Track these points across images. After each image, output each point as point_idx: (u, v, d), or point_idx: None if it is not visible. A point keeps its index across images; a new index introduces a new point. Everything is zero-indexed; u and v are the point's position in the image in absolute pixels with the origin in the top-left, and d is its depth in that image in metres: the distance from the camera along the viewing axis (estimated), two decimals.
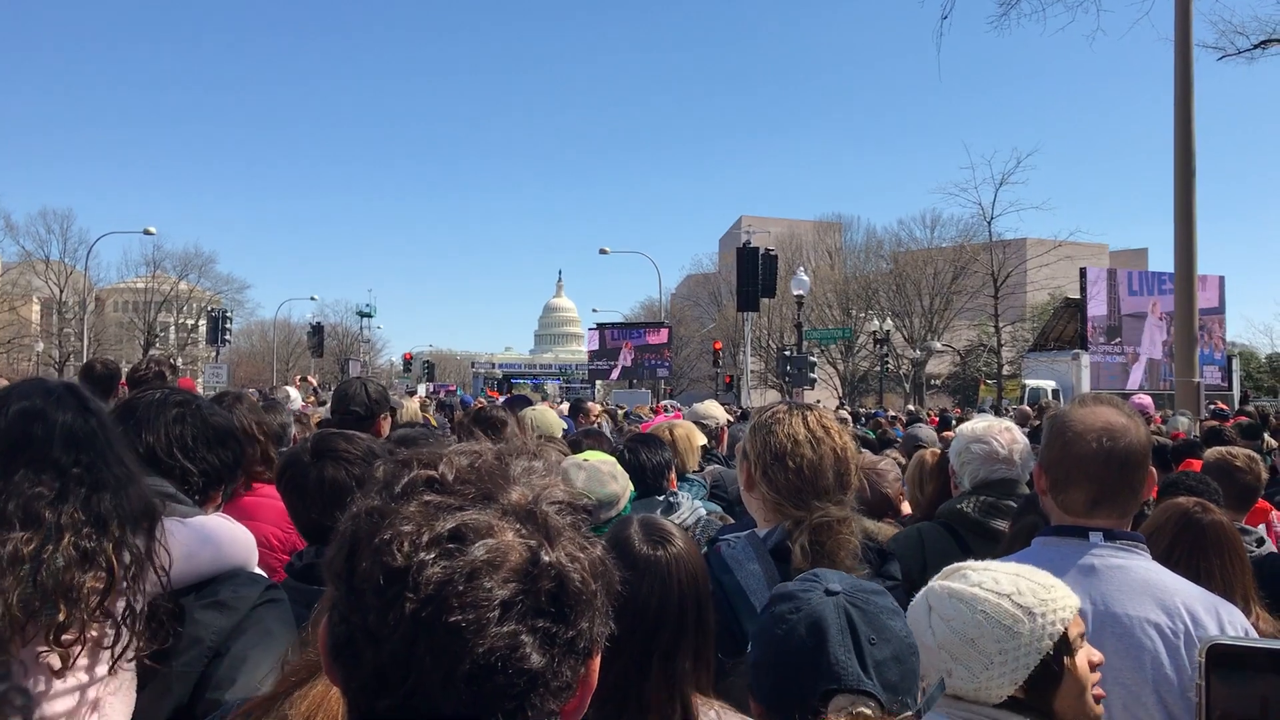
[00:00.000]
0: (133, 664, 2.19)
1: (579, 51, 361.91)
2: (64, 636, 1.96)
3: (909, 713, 1.73)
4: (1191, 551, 3.01)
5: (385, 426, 5.31)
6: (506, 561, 0.98)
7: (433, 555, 0.96)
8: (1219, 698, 1.40)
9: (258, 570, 2.65)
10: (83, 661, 2.03)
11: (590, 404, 12.86)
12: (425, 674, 0.96)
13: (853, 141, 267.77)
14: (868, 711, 1.68)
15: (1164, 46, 19.91)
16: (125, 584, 2.08)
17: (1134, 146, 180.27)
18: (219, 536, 2.48)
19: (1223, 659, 1.41)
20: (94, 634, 2.03)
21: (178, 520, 2.36)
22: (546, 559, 1.00)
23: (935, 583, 2.18)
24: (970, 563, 2.19)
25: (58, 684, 1.99)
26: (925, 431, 8.88)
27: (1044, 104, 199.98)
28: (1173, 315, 25.20)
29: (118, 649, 2.07)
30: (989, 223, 55.46)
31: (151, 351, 62.56)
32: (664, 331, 58.93)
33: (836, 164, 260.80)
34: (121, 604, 2.06)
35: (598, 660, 1.09)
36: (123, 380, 7.04)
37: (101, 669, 2.08)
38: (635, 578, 2.13)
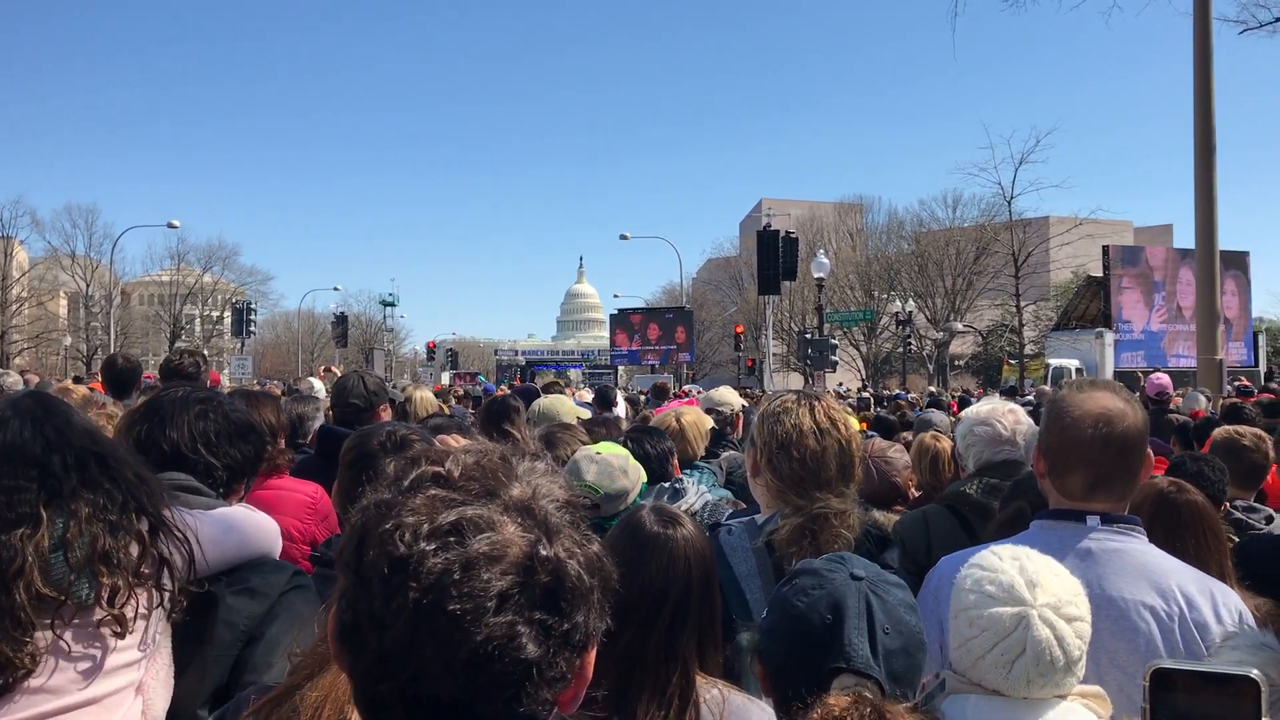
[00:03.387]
0: (169, 650, 2.33)
1: (598, 37, 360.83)
2: (116, 601, 2.10)
3: (908, 703, 1.78)
4: (1168, 531, 3.03)
5: (385, 417, 5.37)
6: (505, 555, 1.03)
7: (434, 546, 1.02)
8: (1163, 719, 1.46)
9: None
10: (130, 639, 2.17)
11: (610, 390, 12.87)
12: (426, 660, 1.01)
13: (873, 122, 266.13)
14: (868, 694, 1.73)
15: (1183, 21, 19.60)
16: (155, 549, 2.22)
17: (1155, 122, 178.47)
18: (244, 525, 2.59)
19: (1166, 682, 1.46)
20: (140, 599, 2.16)
21: (201, 513, 2.47)
22: (544, 553, 1.05)
23: None
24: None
25: (109, 660, 2.13)
26: (937, 416, 8.86)
27: (1062, 81, 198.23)
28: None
29: (164, 607, 2.22)
30: (1009, 202, 55.09)
31: (179, 344, 62.99)
32: (690, 328, 58.86)
33: (857, 145, 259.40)
34: (154, 567, 2.20)
35: (593, 654, 1.15)
36: (148, 373, 7.17)
37: (144, 644, 2.21)
38: (644, 556, 2.22)
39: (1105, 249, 44.30)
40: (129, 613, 2.14)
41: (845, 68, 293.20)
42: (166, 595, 2.25)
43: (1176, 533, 3.06)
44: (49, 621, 2.06)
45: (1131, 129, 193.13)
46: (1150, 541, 2.61)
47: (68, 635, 2.09)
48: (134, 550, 2.19)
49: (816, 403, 2.91)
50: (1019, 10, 32.51)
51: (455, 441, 2.55)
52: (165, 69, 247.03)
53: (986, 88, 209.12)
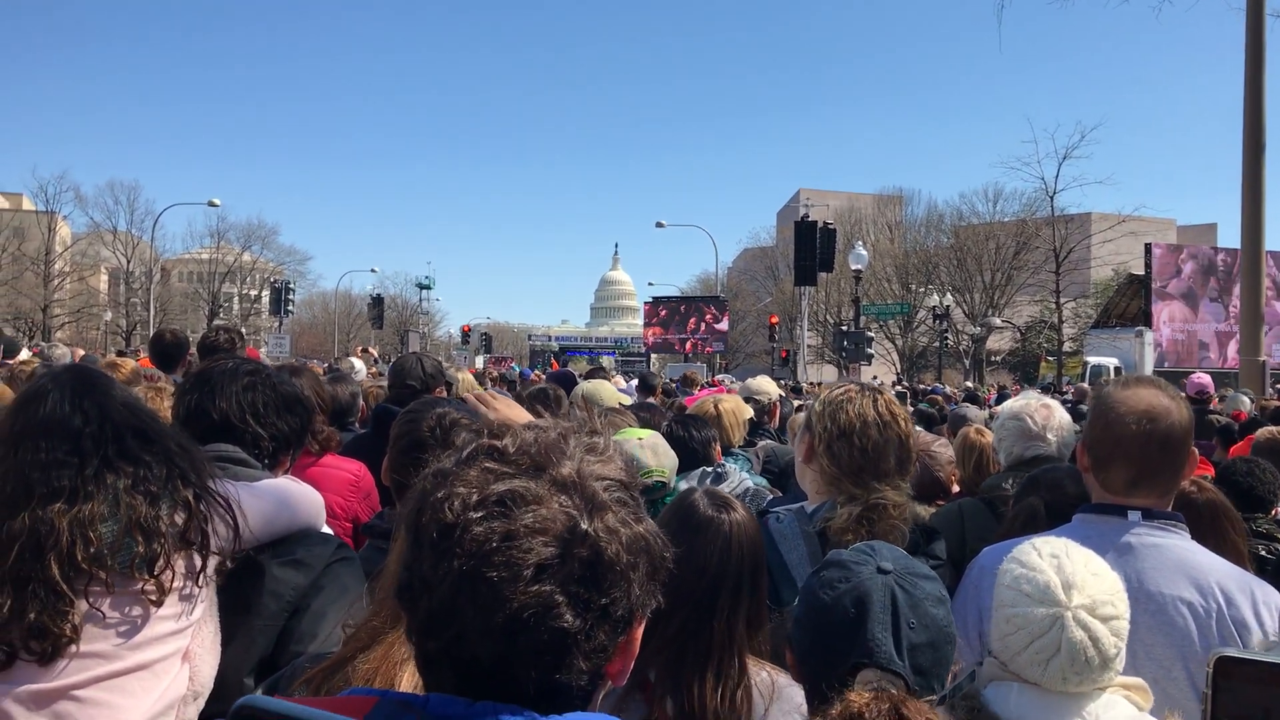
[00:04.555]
0: (215, 619, 2.39)
1: (639, 27, 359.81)
2: (155, 568, 2.16)
3: (933, 696, 1.80)
4: (1191, 532, 3.05)
5: None
6: (546, 528, 1.08)
7: (479, 515, 1.08)
8: (1225, 706, 1.47)
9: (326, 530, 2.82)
10: (173, 608, 2.23)
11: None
12: (467, 622, 1.07)
13: (913, 114, 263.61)
14: (893, 690, 1.74)
15: (1235, 16, 19.27)
16: (197, 516, 2.27)
17: (1202, 119, 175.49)
18: (289, 497, 2.65)
19: (1230, 669, 1.47)
20: (181, 566, 2.22)
21: (246, 484, 2.52)
22: (585, 528, 1.09)
23: None
24: None
25: (153, 628, 2.19)
26: (972, 411, 8.83)
27: (1109, 76, 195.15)
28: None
29: (203, 574, 2.27)
30: (1052, 197, 54.61)
31: (217, 321, 63.63)
32: (724, 317, 58.82)
33: (897, 137, 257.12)
34: (197, 533, 2.26)
35: (640, 629, 1.19)
36: (191, 350, 7.28)
37: (191, 612, 2.27)
38: (697, 539, 2.26)
39: (1147, 247, 43.79)
40: (168, 581, 2.19)
41: (888, 59, 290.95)
42: (211, 563, 2.30)
43: (1196, 531, 3.06)
44: (89, 591, 2.11)
45: (1178, 126, 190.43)
46: None
47: (111, 603, 2.14)
48: (179, 519, 2.24)
49: (880, 395, 2.94)
50: (1066, 4, 32.01)
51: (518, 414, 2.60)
52: (210, 50, 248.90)
53: (1031, 81, 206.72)
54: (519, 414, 2.70)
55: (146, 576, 2.16)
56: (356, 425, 5.94)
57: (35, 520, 2.10)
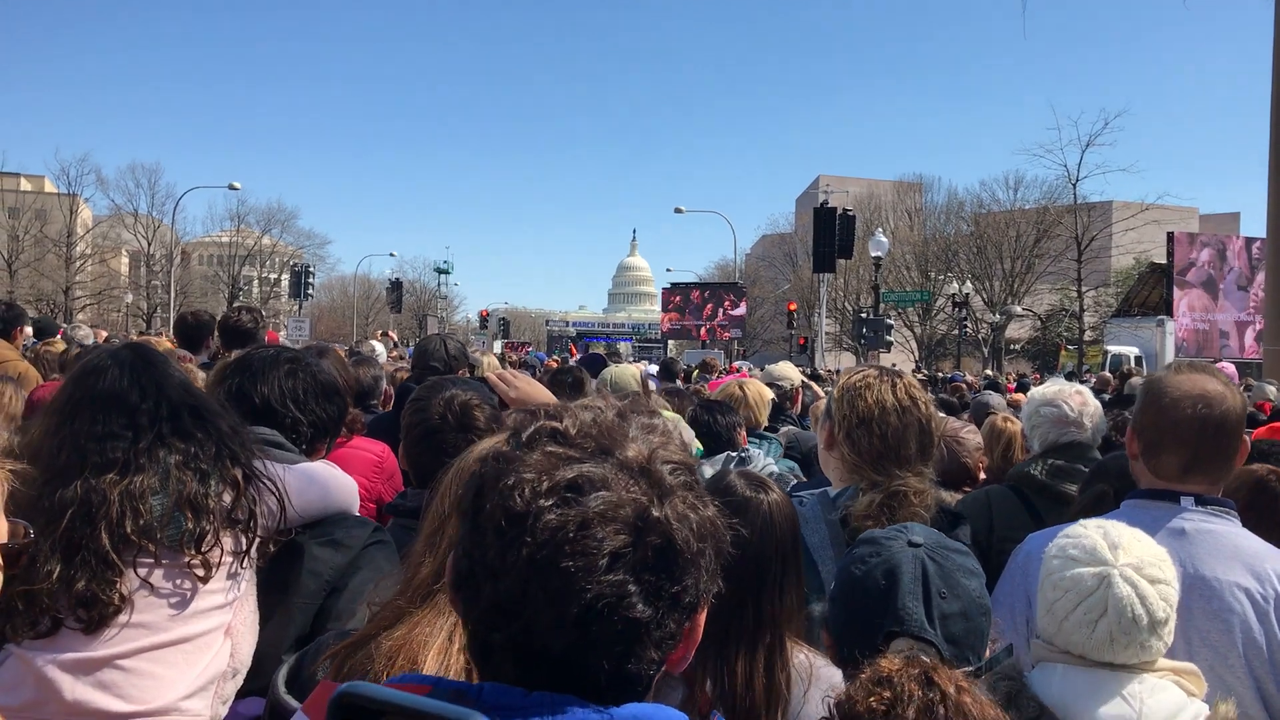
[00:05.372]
0: (254, 597, 2.42)
1: (657, 12, 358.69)
2: (203, 545, 2.20)
3: (969, 667, 1.78)
4: (1263, 519, 3.00)
5: None
6: (618, 515, 1.04)
7: (551, 502, 1.04)
8: None
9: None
10: (219, 584, 2.26)
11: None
12: (537, 612, 1.03)
13: (934, 100, 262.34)
14: (925, 658, 1.73)
15: (1264, 3, 19.09)
16: (245, 495, 2.31)
17: (1228, 107, 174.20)
18: (327, 480, 2.70)
19: None
20: (228, 544, 2.25)
21: (288, 466, 2.56)
22: (656, 515, 1.06)
23: None
24: None
25: (199, 602, 2.22)
26: (995, 399, 8.78)
27: (1134, 63, 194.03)
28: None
29: (249, 553, 2.32)
30: (1074, 185, 54.23)
31: (238, 302, 63.91)
32: (742, 303, 58.78)
33: (918, 124, 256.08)
34: (245, 512, 2.30)
35: (703, 615, 1.16)
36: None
37: (235, 589, 2.31)
38: (739, 519, 2.24)
39: (1170, 235, 43.47)
40: (215, 558, 2.23)
41: (909, 45, 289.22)
42: (255, 540, 2.34)
43: (1274, 521, 3.02)
44: (138, 563, 2.15)
45: (1203, 114, 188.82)
46: (1248, 528, 2.58)
47: (159, 575, 2.18)
48: (227, 497, 2.28)
49: (899, 380, 2.91)
50: None
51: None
52: (232, 33, 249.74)
53: (1055, 68, 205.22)
54: (540, 392, 2.71)
55: (194, 553, 2.20)
56: (379, 407, 5.96)
57: (88, 489, 2.13)
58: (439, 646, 1.58)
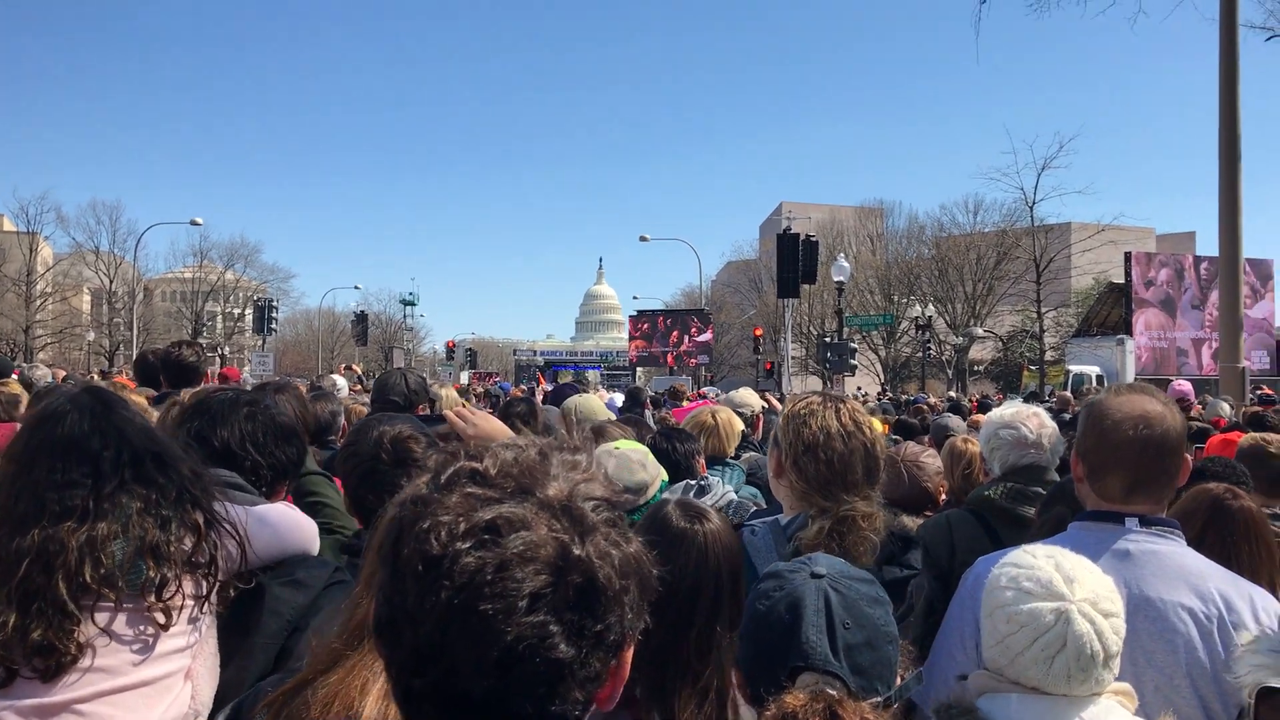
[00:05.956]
0: (215, 639, 2.41)
1: (618, 39, 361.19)
2: (164, 593, 2.18)
3: (877, 699, 1.78)
4: (1221, 538, 3.02)
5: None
6: (538, 555, 1.03)
7: (468, 545, 1.02)
8: None
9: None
10: (180, 627, 2.25)
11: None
12: (458, 657, 1.02)
13: (894, 127, 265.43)
14: (833, 692, 1.73)
15: (1209, 27, 19.48)
16: (206, 540, 2.30)
17: (1180, 129, 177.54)
18: (287, 522, 2.70)
19: (1273, 699, 1.47)
20: (188, 589, 2.24)
21: (247, 508, 2.55)
22: (577, 553, 1.05)
23: None
24: None
25: (160, 646, 2.21)
26: (954, 421, 8.84)
27: (1086, 87, 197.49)
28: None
29: (208, 599, 2.30)
30: (1031, 207, 54.89)
31: (181, 338, 63.19)
32: (708, 329, 58.99)
33: (878, 150, 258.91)
34: (205, 558, 2.28)
35: (630, 652, 1.15)
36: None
37: (195, 632, 2.29)
38: (673, 551, 2.23)
39: (1127, 255, 44.07)
40: (176, 603, 2.21)
41: (867, 71, 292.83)
42: (215, 586, 2.33)
43: (1230, 540, 3.04)
44: (97, 610, 2.12)
45: (1156, 135, 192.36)
46: (1203, 548, 2.61)
47: (120, 621, 2.16)
48: (188, 542, 2.27)
49: (842, 404, 2.91)
50: (1043, 14, 32.36)
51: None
52: (191, 69, 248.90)
53: (1009, 92, 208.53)
54: (498, 429, 2.69)
55: (156, 600, 2.18)
56: (337, 442, 5.92)
57: (45, 538, 2.11)
58: (379, 692, 1.56)
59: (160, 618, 2.19)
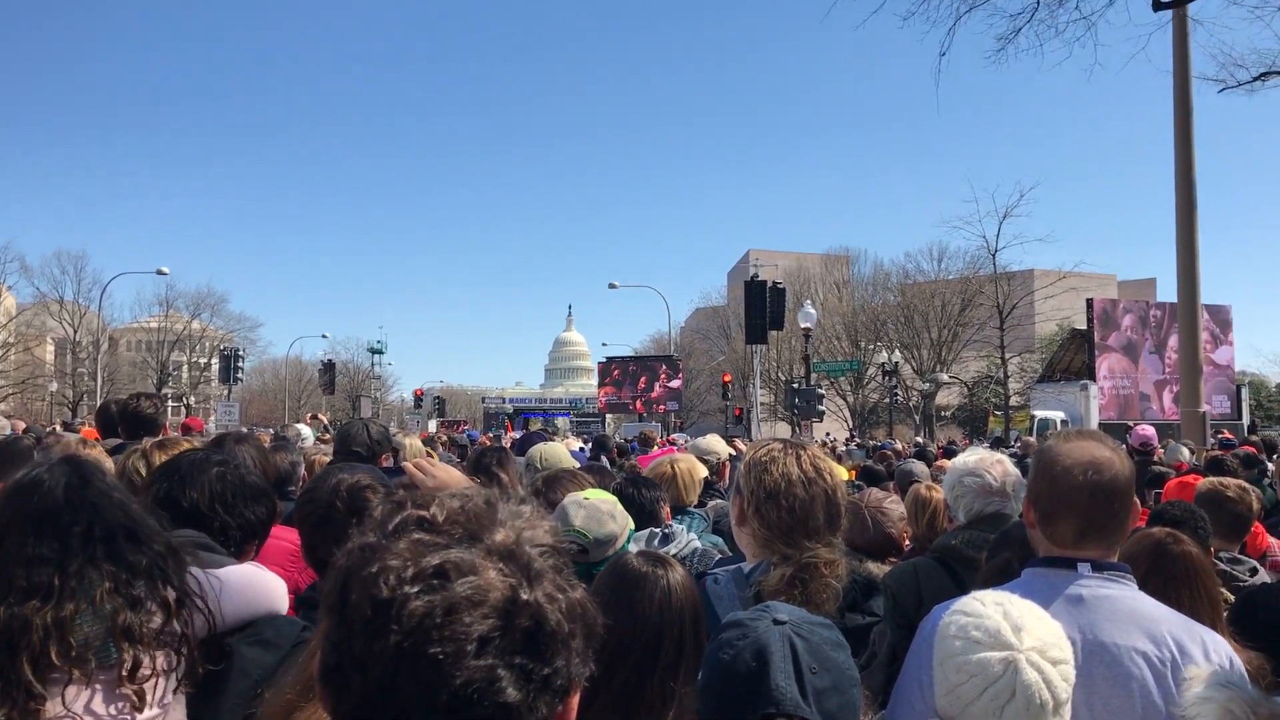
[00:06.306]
0: (183, 702, 2.36)
1: (586, 86, 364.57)
2: (138, 675, 2.15)
3: None
4: (1164, 582, 3.05)
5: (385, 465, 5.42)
6: (486, 599, 1.03)
7: (416, 589, 1.02)
8: None
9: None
10: (153, 699, 2.21)
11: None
12: (407, 702, 1.01)
13: (860, 176, 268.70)
14: None
15: (1163, 78, 19.87)
16: (177, 618, 2.27)
17: (1138, 177, 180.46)
18: (256, 583, 2.68)
19: None
20: (160, 665, 2.21)
21: (213, 572, 2.53)
22: (525, 598, 1.06)
23: None
24: None
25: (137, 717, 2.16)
26: (918, 466, 8.88)
27: (1045, 136, 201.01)
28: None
29: (179, 673, 2.27)
30: (994, 255, 55.63)
31: (145, 389, 62.65)
32: (678, 376, 59.15)
33: (844, 198, 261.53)
34: (175, 635, 2.25)
35: (576, 699, 1.15)
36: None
37: (165, 704, 2.25)
38: (635, 598, 2.24)
39: (1089, 302, 44.64)
40: (149, 688, 2.18)
41: (832, 122, 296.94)
42: (184, 661, 2.29)
43: (1172, 584, 3.08)
44: (66, 690, 2.09)
45: (1115, 183, 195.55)
46: (1145, 591, 2.63)
47: (88, 698, 2.12)
48: (158, 620, 2.24)
49: (803, 451, 2.92)
50: (1001, 66, 32.80)
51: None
52: (156, 118, 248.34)
53: (971, 142, 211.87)
54: (458, 480, 2.68)
55: (129, 682, 2.15)
56: (297, 493, 5.87)
57: (10, 616, 2.07)
58: None
59: (133, 699, 2.16)
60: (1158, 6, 17.59)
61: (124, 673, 2.14)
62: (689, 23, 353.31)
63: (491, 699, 1.02)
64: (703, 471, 6.04)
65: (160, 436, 5.32)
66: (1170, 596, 2.89)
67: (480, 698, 1.01)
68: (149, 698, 2.18)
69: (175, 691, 2.30)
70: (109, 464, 3.99)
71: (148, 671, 2.17)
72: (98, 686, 2.12)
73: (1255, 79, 19.95)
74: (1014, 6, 20.45)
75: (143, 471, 3.78)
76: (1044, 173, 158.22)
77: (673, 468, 5.70)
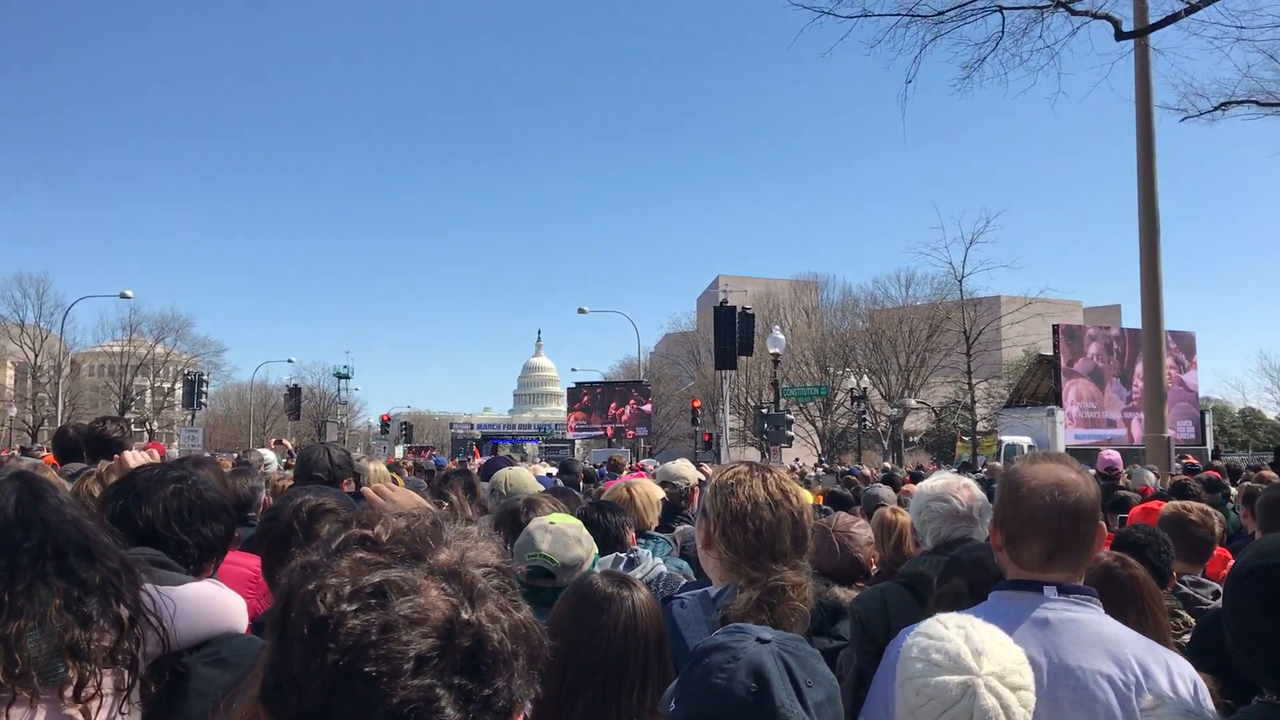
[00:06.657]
0: None
1: (554, 112, 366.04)
2: (82, 692, 2.09)
3: None
4: (1111, 605, 3.06)
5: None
6: (427, 618, 1.02)
7: (355, 608, 1.02)
8: None
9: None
10: (103, 715, 2.16)
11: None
12: None
13: (828, 202, 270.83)
14: None
15: (1126, 108, 20.24)
16: (129, 636, 2.22)
17: (1103, 204, 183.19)
18: (214, 601, 2.64)
19: None
20: (109, 685, 2.16)
21: (170, 589, 2.48)
22: (466, 618, 1.04)
23: None
24: None
25: None
26: (885, 491, 8.92)
27: (1011, 164, 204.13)
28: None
29: (129, 695, 2.22)
30: (960, 281, 56.15)
31: (108, 414, 61.97)
32: (647, 401, 59.23)
33: (813, 224, 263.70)
34: (127, 654, 2.21)
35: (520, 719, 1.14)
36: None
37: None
38: (599, 619, 2.22)
39: (1055, 328, 45.17)
40: (95, 702, 2.13)
41: (800, 149, 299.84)
42: (137, 680, 2.26)
43: (1119, 606, 3.08)
44: (13, 707, 2.04)
45: (1079, 210, 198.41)
46: None
47: (36, 718, 2.07)
48: (109, 639, 2.19)
49: (769, 474, 2.91)
50: (967, 95, 33.29)
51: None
52: (119, 140, 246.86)
53: (937, 169, 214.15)
54: (418, 505, 2.64)
55: (73, 700, 2.10)
56: (257, 519, 5.79)
57: None
58: None
59: (79, 718, 2.10)
60: (1120, 36, 17.91)
61: (68, 692, 2.09)
62: (657, 49, 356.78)
63: (429, 718, 1.00)
64: (659, 494, 6.06)
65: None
66: (1118, 620, 2.90)
67: (418, 717, 1.00)
68: (96, 714, 2.13)
69: (126, 712, 2.25)
70: (66, 485, 3.92)
71: (93, 690, 2.12)
72: (44, 703, 2.07)
73: (1216, 108, 20.30)
74: (979, 35, 20.61)
75: (96, 494, 3.72)
76: (1009, 199, 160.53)
77: (629, 491, 5.72)
